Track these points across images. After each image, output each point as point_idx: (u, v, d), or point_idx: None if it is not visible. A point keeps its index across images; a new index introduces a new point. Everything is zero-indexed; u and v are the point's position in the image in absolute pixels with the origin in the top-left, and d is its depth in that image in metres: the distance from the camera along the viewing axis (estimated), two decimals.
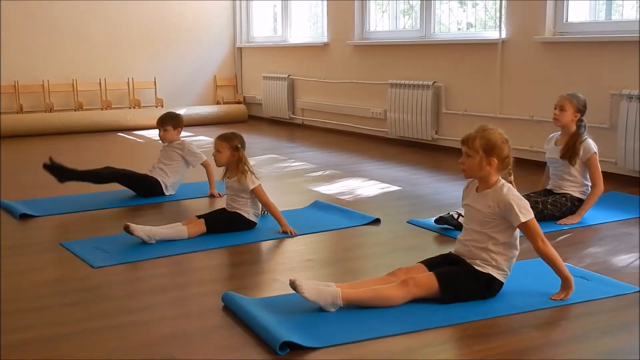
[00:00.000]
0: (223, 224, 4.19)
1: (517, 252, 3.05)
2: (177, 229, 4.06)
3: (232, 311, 2.90)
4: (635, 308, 2.93)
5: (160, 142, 5.42)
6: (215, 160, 4.26)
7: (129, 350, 2.61)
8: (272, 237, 4.10)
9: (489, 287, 3.00)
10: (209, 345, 2.65)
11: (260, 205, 4.27)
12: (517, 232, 3.03)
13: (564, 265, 3.03)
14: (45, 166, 5.09)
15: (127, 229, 3.91)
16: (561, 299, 2.98)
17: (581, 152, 4.34)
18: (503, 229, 2.98)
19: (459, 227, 4.05)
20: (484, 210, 2.99)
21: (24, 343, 2.68)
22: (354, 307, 2.89)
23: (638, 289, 3.13)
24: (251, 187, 4.14)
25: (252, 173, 4.17)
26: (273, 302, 3.00)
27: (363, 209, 4.75)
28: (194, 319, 2.91)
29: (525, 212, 2.92)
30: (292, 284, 2.83)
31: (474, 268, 2.99)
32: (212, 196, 5.20)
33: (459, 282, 2.96)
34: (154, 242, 3.94)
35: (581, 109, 4.42)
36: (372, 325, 2.76)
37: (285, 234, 4.13)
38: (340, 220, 4.46)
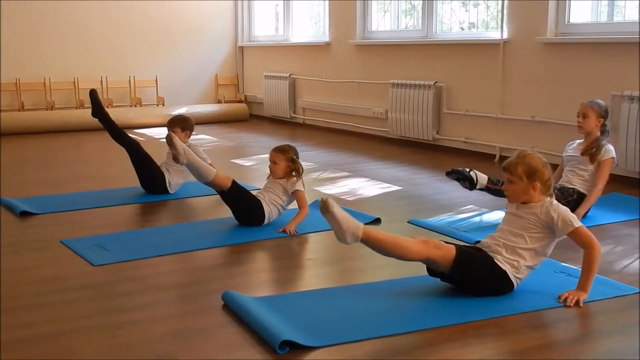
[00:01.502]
0: (242, 197, 4.24)
1: (538, 265, 3.09)
2: (208, 167, 4.22)
3: (232, 310, 2.90)
4: (636, 309, 2.93)
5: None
6: (272, 172, 4.35)
7: (129, 348, 2.61)
8: (273, 236, 4.10)
9: (498, 282, 3.01)
10: (209, 343, 2.64)
11: (278, 212, 4.30)
12: (549, 250, 3.08)
13: (592, 280, 3.04)
14: (91, 92, 5.33)
15: (169, 137, 4.13)
16: (567, 303, 2.96)
17: (602, 152, 4.42)
18: (541, 237, 3.04)
19: (468, 180, 4.25)
20: (528, 217, 3.05)
21: (24, 340, 2.67)
22: (371, 245, 2.96)
23: (638, 290, 3.13)
24: (294, 189, 4.25)
25: (302, 180, 4.32)
26: (273, 301, 3.00)
27: (364, 208, 4.75)
28: (194, 317, 2.90)
29: (575, 220, 3.00)
30: (324, 202, 2.88)
31: (493, 260, 3.02)
32: None
33: (473, 263, 2.99)
34: (184, 161, 4.13)
35: (603, 114, 4.52)
36: (372, 325, 2.76)
37: (285, 233, 4.13)
38: None
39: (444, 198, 5.13)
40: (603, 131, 4.51)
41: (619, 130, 5.46)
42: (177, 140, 4.17)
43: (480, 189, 4.36)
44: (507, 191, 3.13)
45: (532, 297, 3.03)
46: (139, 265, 3.61)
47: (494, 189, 4.31)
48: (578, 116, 4.55)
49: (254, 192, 4.42)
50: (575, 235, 2.99)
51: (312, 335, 2.63)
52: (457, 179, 4.37)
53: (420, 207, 4.88)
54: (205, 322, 2.84)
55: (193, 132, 5.44)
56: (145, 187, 5.21)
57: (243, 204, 4.25)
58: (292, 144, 4.47)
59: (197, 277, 3.45)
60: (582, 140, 4.59)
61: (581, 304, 2.95)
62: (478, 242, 3.22)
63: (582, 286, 3.01)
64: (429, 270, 3.12)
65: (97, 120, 5.37)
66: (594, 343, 2.67)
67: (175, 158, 4.16)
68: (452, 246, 3.01)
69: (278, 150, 4.35)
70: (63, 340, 2.67)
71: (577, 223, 2.99)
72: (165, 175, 5.18)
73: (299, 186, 4.27)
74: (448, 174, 4.40)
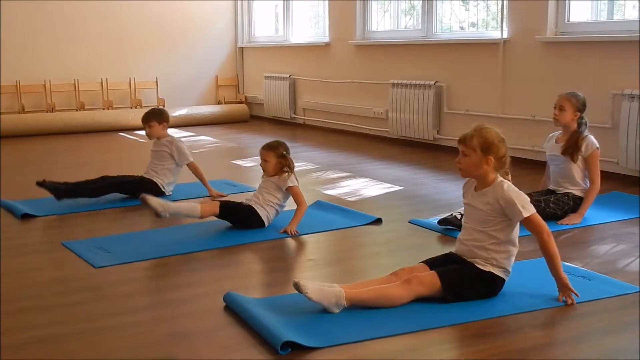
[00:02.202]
0: (235, 212, 4.24)
1: (516, 250, 3.05)
2: (190, 205, 4.15)
3: (234, 311, 2.90)
4: (636, 308, 2.93)
5: (149, 139, 5.41)
6: (264, 170, 4.32)
7: (130, 350, 2.61)
8: (274, 237, 4.10)
9: (490, 285, 3.00)
10: (211, 345, 2.65)
11: (276, 212, 4.29)
12: (517, 229, 3.02)
13: (561, 265, 3.01)
14: (39, 184, 4.88)
15: (142, 199, 4.01)
16: (568, 303, 2.96)
17: (583, 148, 4.35)
18: (503, 227, 2.98)
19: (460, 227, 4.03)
20: (484, 209, 3.00)
21: (25, 343, 2.68)
22: (358, 307, 2.88)
23: (638, 289, 3.12)
24: (289, 185, 4.22)
25: (295, 175, 4.28)
26: (274, 302, 3.00)
27: (365, 208, 4.75)
28: (196, 318, 2.91)
29: (527, 207, 2.93)
30: (296, 285, 2.83)
31: (475, 267, 2.99)
32: (216, 197, 5.10)
33: (460, 281, 2.97)
34: (167, 215, 4.00)
35: (580, 108, 4.41)
36: (373, 325, 2.76)
37: (286, 234, 4.13)
38: (342, 220, 4.45)
39: (444, 198, 5.13)
40: (580, 124, 4.40)
41: (619, 129, 5.46)
42: (151, 199, 4.02)
43: None
44: (459, 164, 3.05)
45: (533, 297, 3.03)
46: (140, 267, 3.61)
47: None
48: (555, 108, 4.44)
49: (249, 194, 4.40)
50: (525, 224, 2.95)
51: (314, 336, 2.64)
52: (452, 225, 4.11)
53: (421, 207, 4.88)
54: (207, 324, 2.84)
55: (194, 134, 5.43)
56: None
57: (238, 218, 4.24)
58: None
59: (199, 278, 3.45)
60: (560, 133, 4.51)
61: (574, 291, 2.95)
62: None
63: (557, 277, 2.98)
64: None
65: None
66: (595, 342, 2.67)
67: (157, 214, 4.02)
68: (434, 274, 2.95)
69: (267, 148, 4.31)
70: (64, 343, 2.68)
71: (528, 211, 2.91)
72: (156, 180, 5.16)
73: (292, 182, 4.23)
74: (440, 223, 4.15)
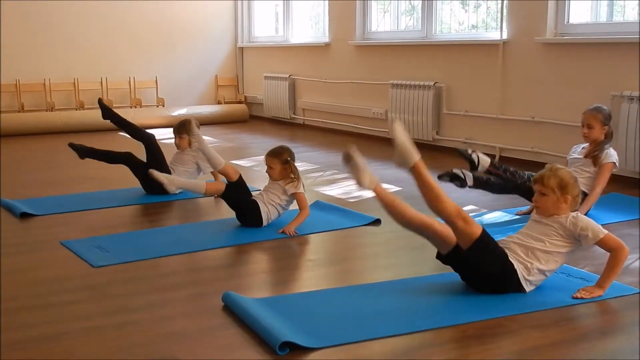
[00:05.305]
0: (238, 199, 4.27)
1: (549, 274, 3.10)
2: (196, 181, 4.25)
3: (232, 311, 2.90)
4: (635, 309, 2.93)
5: (177, 149, 5.40)
6: (270, 176, 4.36)
7: (129, 349, 2.61)
8: (273, 237, 4.10)
9: (504, 277, 3.02)
10: (209, 344, 2.65)
11: (277, 213, 4.31)
12: (567, 256, 3.10)
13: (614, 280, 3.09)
14: (70, 145, 5.28)
15: (150, 174, 4.26)
16: (581, 297, 3.01)
17: (601, 157, 4.45)
18: (562, 245, 3.06)
19: (470, 161, 4.40)
20: (553, 225, 3.08)
21: (24, 341, 2.68)
22: (381, 202, 3.28)
23: (638, 291, 3.13)
24: (294, 191, 4.26)
25: (301, 181, 4.31)
26: (273, 302, 3.00)
27: (364, 209, 4.75)
28: (194, 318, 2.91)
29: (602, 229, 3.04)
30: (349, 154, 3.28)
31: (507, 255, 3.03)
32: None
33: (492, 251, 3.01)
34: (174, 188, 4.16)
35: (607, 122, 4.53)
36: (372, 325, 2.76)
37: (285, 234, 4.13)
38: (341, 220, 4.46)
39: None
40: (607, 134, 4.52)
41: (618, 130, 5.45)
42: (158, 174, 4.28)
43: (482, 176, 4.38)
44: (537, 202, 3.15)
45: (533, 298, 3.03)
46: (138, 266, 3.61)
47: (495, 173, 4.33)
48: (582, 126, 4.55)
49: (254, 193, 4.42)
50: (605, 242, 3.03)
51: (312, 336, 2.64)
52: (463, 157, 4.48)
53: (421, 207, 4.82)
54: (205, 323, 2.84)
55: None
56: (148, 187, 5.13)
57: (240, 207, 4.27)
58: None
59: (197, 278, 3.45)
60: (588, 144, 4.60)
61: (591, 296, 3.01)
62: None
63: (601, 283, 3.06)
64: (438, 254, 3.16)
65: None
66: (595, 343, 2.67)
67: (165, 188, 4.29)
68: (481, 228, 3.01)
69: (271, 154, 4.35)
70: (63, 341, 2.68)
71: (605, 230, 3.04)
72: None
73: (297, 189, 4.27)
74: (458, 151, 4.60)
